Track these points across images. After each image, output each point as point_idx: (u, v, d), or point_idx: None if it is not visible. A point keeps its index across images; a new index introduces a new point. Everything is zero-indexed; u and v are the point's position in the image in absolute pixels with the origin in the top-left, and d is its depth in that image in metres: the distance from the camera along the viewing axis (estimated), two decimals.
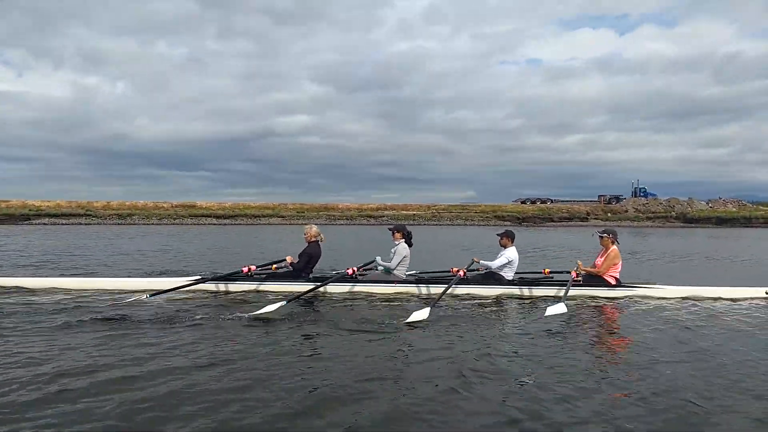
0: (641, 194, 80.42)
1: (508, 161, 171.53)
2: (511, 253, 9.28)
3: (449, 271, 9.48)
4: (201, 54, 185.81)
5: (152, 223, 58.45)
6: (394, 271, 9.15)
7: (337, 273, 9.50)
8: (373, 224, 62.64)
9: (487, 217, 69.11)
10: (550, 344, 5.98)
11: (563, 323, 7.07)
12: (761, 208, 77.26)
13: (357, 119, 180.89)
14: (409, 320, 6.72)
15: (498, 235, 9.67)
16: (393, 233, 9.38)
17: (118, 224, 56.78)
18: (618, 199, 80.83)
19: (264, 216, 65.56)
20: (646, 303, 8.62)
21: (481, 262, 9.54)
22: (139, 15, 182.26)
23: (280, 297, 7.97)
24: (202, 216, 63.83)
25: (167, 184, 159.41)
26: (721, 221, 67.60)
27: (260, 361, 5.09)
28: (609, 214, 71.74)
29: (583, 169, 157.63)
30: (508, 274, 9.29)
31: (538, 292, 9.11)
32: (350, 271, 9.02)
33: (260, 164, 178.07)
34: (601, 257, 9.39)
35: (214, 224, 59.20)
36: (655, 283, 9.58)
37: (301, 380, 4.58)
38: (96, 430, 3.60)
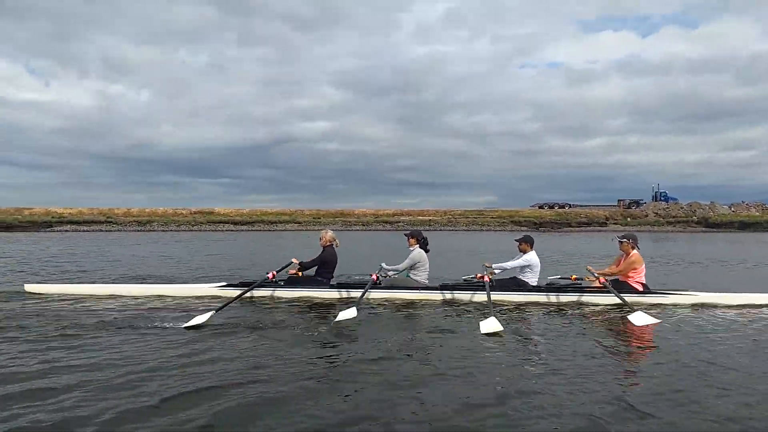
0: (662, 198, 79.40)
1: (529, 165, 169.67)
2: (530, 257, 9.11)
3: (474, 276, 9.40)
4: (222, 60, 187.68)
5: (171, 230, 59.29)
6: (415, 277, 9.08)
7: (362, 279, 9.43)
8: (389, 230, 62.74)
9: (503, 222, 68.80)
10: (571, 351, 5.75)
11: (585, 330, 6.88)
12: None
13: (376, 124, 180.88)
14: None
15: (516, 240, 9.49)
16: (408, 239, 9.40)
17: (138, 231, 57.70)
18: (638, 203, 79.92)
19: (281, 222, 66.10)
20: (676, 310, 8.23)
21: (493, 265, 9.32)
22: (162, 23, 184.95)
23: (307, 304, 8.33)
24: (220, 222, 64.56)
25: (189, 191, 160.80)
26: (744, 226, 66.38)
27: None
28: (629, 219, 70.91)
29: (604, 172, 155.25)
30: (532, 280, 9.07)
31: (566, 298, 8.80)
32: (374, 277, 8.85)
33: (280, 170, 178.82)
34: (619, 263, 9.13)
35: (232, 230, 59.84)
36: (687, 290, 9.22)
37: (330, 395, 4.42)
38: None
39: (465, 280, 9.79)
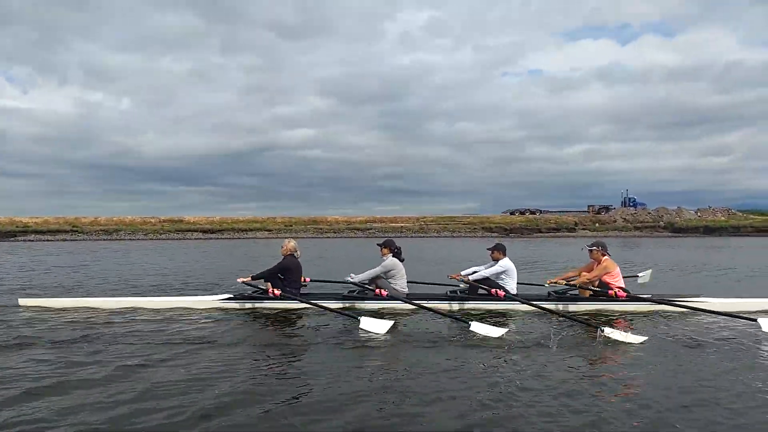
0: (631, 204, 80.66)
1: (511, 172, 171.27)
2: (506, 263, 9.03)
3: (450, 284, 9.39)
4: (205, 68, 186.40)
5: (138, 239, 58.44)
6: (395, 287, 8.88)
7: (356, 290, 9.17)
8: (360, 236, 62.67)
9: (474, 228, 69.17)
10: (553, 362, 5.64)
11: (564, 341, 6.63)
12: (751, 216, 77.40)
13: (361, 132, 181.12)
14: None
15: (488, 249, 9.42)
16: (381, 249, 9.18)
17: (105, 240, 56.74)
18: (607, 209, 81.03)
19: (251, 230, 65.56)
20: (660, 317, 8.16)
21: (462, 273, 9.21)
22: (144, 30, 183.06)
23: (310, 314, 8.27)
24: (188, 231, 63.79)
25: (172, 199, 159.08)
26: (709, 230, 67.70)
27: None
28: (597, 225, 71.81)
29: (586, 179, 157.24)
30: (510, 286, 8.95)
31: (544, 305, 8.52)
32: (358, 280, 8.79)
33: (264, 178, 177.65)
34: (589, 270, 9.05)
35: (201, 239, 59.17)
36: (699, 295, 8.95)
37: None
38: None
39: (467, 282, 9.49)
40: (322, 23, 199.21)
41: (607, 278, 8.73)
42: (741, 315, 7.42)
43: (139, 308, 8.79)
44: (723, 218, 74.29)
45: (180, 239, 57.97)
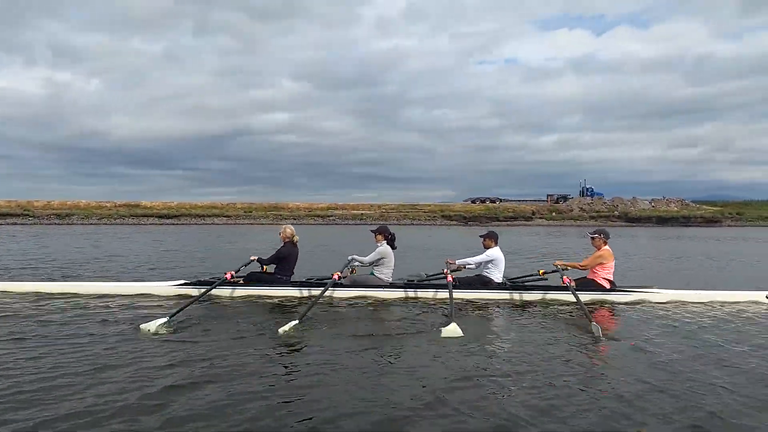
0: (588, 194, 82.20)
1: (487, 160, 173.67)
2: (493, 253, 8.99)
3: (442, 273, 9.24)
4: (177, 50, 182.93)
5: (92, 223, 57.18)
6: (379, 275, 8.87)
7: (321, 278, 9.20)
8: (320, 224, 62.54)
9: (434, 216, 69.67)
10: (535, 352, 5.70)
11: (552, 329, 6.79)
12: (703, 207, 79.75)
13: (336, 117, 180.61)
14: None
15: (480, 236, 9.38)
16: (375, 235, 9.08)
17: (57, 224, 55.36)
18: (566, 198, 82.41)
19: (209, 216, 64.78)
20: (641, 308, 8.31)
21: (457, 262, 9.12)
22: (113, 10, 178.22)
23: (269, 303, 8.15)
24: (144, 216, 62.70)
25: (143, 183, 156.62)
26: (662, 220, 69.57)
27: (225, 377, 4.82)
28: (554, 214, 73.06)
29: (559, 168, 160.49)
30: (496, 276, 8.94)
31: (529, 296, 8.70)
32: (336, 276, 8.50)
33: (238, 163, 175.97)
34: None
35: (156, 224, 58.23)
36: (652, 287, 9.26)
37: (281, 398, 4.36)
38: None
39: (428, 276, 9.76)
40: (297, 6, 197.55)
41: (598, 269, 8.79)
42: (588, 315, 7.47)
43: (85, 293, 8.67)
44: (676, 208, 76.34)
45: (135, 224, 56.96)
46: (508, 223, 66.56)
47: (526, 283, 9.08)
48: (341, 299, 8.52)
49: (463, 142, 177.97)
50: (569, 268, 8.88)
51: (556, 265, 8.89)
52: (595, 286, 8.76)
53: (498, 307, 8.26)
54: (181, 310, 6.99)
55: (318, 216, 67.46)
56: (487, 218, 69.23)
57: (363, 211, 71.18)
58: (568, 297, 8.49)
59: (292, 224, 9.52)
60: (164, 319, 6.57)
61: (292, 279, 8.99)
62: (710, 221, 70.53)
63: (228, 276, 8.44)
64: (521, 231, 47.63)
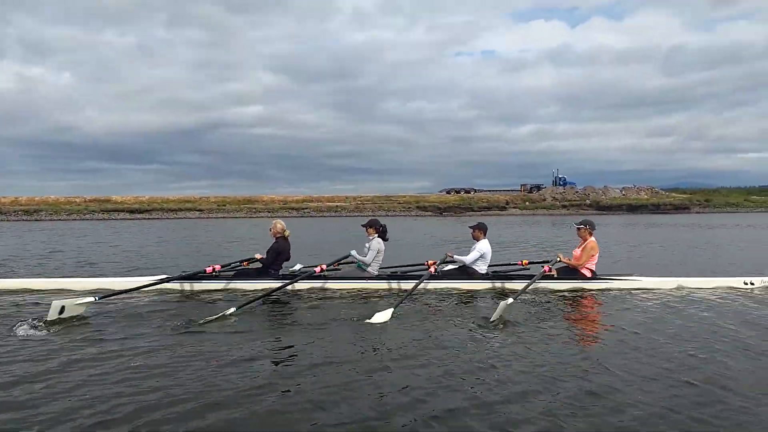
0: (561, 183, 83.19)
1: (465, 151, 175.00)
2: (483, 246, 9.08)
3: (424, 264, 9.32)
4: (150, 42, 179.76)
5: (60, 219, 55.99)
6: (370, 268, 8.93)
7: (306, 270, 9.11)
8: (295, 216, 62.17)
9: (409, 207, 69.79)
10: (516, 341, 5.77)
11: (536, 318, 6.89)
12: (672, 195, 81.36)
13: (313, 110, 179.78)
14: (371, 321, 6.55)
15: (470, 227, 9.42)
16: (366, 229, 9.12)
17: (25, 221, 54.09)
18: (539, 187, 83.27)
19: (182, 210, 63.91)
20: (623, 295, 8.47)
21: (455, 257, 9.25)
22: (85, 3, 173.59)
23: (247, 295, 7.99)
24: (114, 211, 61.59)
25: (117, 177, 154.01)
26: (632, 208, 70.81)
27: (214, 364, 4.93)
28: (527, 203, 73.80)
29: (536, 158, 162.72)
30: (481, 268, 9.07)
31: (511, 285, 8.80)
32: (318, 269, 8.61)
33: (213, 156, 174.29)
34: (578, 249, 9.21)
35: (127, 219, 57.29)
36: (632, 275, 9.47)
37: (263, 384, 4.45)
38: None
39: (410, 266, 9.78)
40: None
41: (589, 261, 8.99)
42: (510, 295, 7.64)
43: (69, 290, 8.55)
44: (646, 196, 77.69)
45: (105, 219, 55.93)
46: (483, 213, 66.92)
47: (509, 273, 9.23)
48: (328, 290, 8.63)
49: (440, 133, 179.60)
50: (569, 264, 9.07)
51: (558, 257, 9.14)
52: (577, 275, 8.93)
53: (481, 297, 8.36)
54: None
55: (293, 209, 67.03)
56: (461, 208, 69.57)
57: (338, 204, 70.97)
58: (551, 285, 8.71)
59: (266, 218, 9.56)
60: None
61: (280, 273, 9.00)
62: (679, 208, 71.97)
63: (209, 270, 8.62)
64: (496, 221, 47.94)
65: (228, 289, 8.58)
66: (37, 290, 8.56)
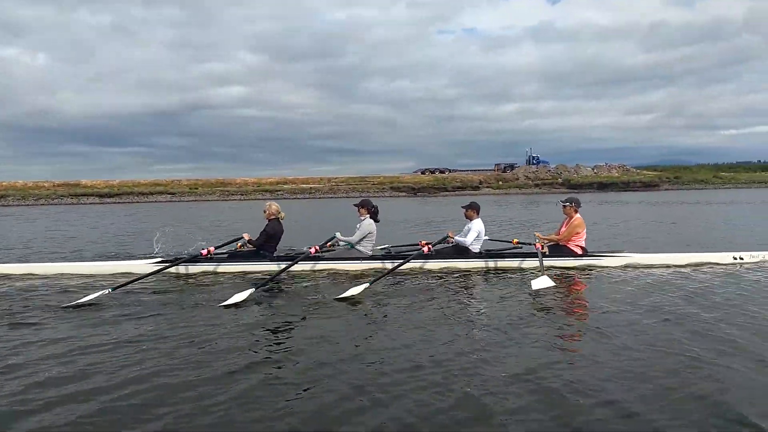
0: (534, 162, 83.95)
1: (448, 131, 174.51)
2: (478, 225, 9.14)
3: (418, 244, 9.31)
4: (127, 22, 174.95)
5: (28, 204, 54.92)
6: (359, 248, 8.86)
7: (300, 252, 9.04)
8: (268, 198, 61.77)
9: (383, 188, 69.87)
10: (510, 320, 5.74)
11: (524, 297, 6.88)
12: (643, 172, 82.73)
13: (295, 90, 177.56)
14: (342, 296, 6.60)
15: (463, 207, 9.45)
16: (358, 209, 9.08)
17: None
18: (512, 167, 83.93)
19: (152, 193, 63.10)
20: (614, 272, 8.50)
21: (455, 238, 9.25)
22: None
23: (247, 279, 7.99)
24: (84, 195, 60.59)
25: (97, 161, 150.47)
26: (602, 186, 71.90)
27: (219, 349, 4.89)
28: (500, 183, 74.42)
29: (520, 137, 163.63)
30: (475, 247, 9.12)
31: (504, 264, 8.93)
32: (312, 250, 8.58)
33: (195, 138, 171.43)
34: (564, 226, 9.28)
35: (97, 203, 56.40)
36: (622, 251, 9.50)
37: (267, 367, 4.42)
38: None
39: (403, 247, 9.83)
40: None
41: (573, 237, 9.03)
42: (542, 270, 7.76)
43: (68, 274, 8.63)
44: (617, 174, 78.84)
45: (74, 204, 54.98)
46: (456, 192, 67.35)
47: (502, 252, 9.34)
48: (318, 271, 8.67)
49: (424, 112, 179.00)
50: (548, 241, 9.11)
51: (537, 237, 9.16)
52: (567, 253, 8.98)
53: (475, 275, 8.45)
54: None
55: (266, 191, 66.61)
56: (435, 189, 69.90)
57: (312, 185, 70.74)
58: (546, 263, 8.63)
59: (239, 200, 9.55)
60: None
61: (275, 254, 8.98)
62: (648, 186, 73.33)
63: (204, 252, 8.62)
64: (470, 201, 47.94)
65: (228, 272, 8.58)
66: (29, 275, 8.59)
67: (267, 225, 8.92)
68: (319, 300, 6.83)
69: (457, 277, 8.31)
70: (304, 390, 3.93)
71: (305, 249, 8.82)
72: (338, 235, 9.06)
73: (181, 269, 8.59)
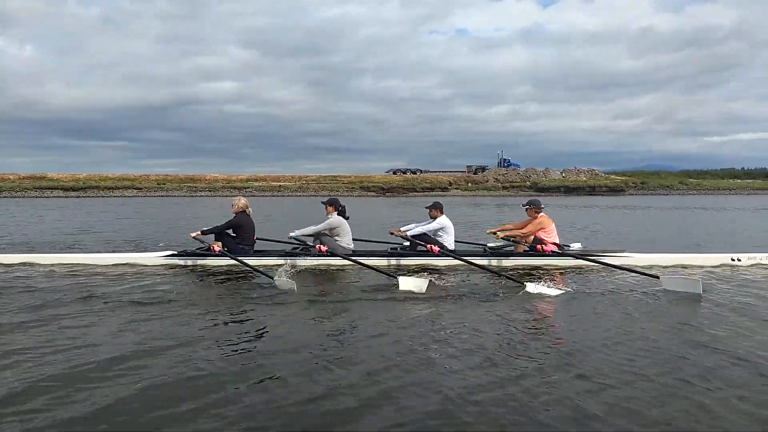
0: (505, 165, 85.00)
1: (439, 131, 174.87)
2: (443, 220, 9.23)
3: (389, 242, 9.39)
4: (116, 14, 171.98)
5: None
6: (341, 244, 8.99)
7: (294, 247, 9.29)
8: (236, 195, 61.68)
9: (353, 187, 70.26)
10: (476, 319, 5.60)
11: (485, 296, 6.74)
12: (610, 177, 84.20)
13: (286, 86, 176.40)
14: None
15: (426, 207, 9.61)
16: (326, 207, 9.31)
17: None
18: (484, 169, 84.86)
19: (118, 188, 62.76)
20: (604, 272, 8.34)
21: (402, 229, 9.33)
22: None
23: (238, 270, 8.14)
24: (48, 188, 60.07)
25: (84, 155, 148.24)
26: (569, 190, 73.10)
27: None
28: (470, 184, 75.25)
29: (509, 139, 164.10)
30: (448, 242, 9.15)
31: (478, 261, 8.50)
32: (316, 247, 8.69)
33: (184, 133, 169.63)
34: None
35: (62, 197, 55.96)
36: (623, 251, 9.35)
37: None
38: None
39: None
40: None
41: (541, 234, 9.00)
42: (645, 272, 7.60)
43: (79, 264, 8.76)
44: (585, 178, 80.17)
45: (38, 197, 54.48)
46: (425, 193, 67.97)
47: (475, 252, 9.41)
48: (308, 267, 8.70)
49: (414, 112, 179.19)
50: (510, 236, 9.05)
51: (493, 233, 9.17)
52: (538, 251, 8.84)
53: (448, 272, 8.43)
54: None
55: (235, 188, 66.61)
56: (404, 189, 70.46)
57: (282, 183, 70.86)
58: (517, 262, 8.76)
59: (207, 197, 9.67)
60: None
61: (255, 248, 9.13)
62: (613, 190, 74.65)
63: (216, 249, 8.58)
64: (444, 201, 47.68)
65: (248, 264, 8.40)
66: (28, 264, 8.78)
67: (234, 217, 9.06)
68: (325, 297, 6.73)
69: (430, 273, 8.13)
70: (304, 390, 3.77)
71: (310, 245, 9.04)
72: (296, 232, 9.02)
73: (190, 262, 8.81)
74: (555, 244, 9.04)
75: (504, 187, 73.82)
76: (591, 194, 70.57)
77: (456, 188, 72.92)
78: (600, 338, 4.90)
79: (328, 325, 5.42)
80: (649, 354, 4.48)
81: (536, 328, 5.39)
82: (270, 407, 3.45)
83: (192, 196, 59.94)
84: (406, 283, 6.95)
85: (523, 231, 9.13)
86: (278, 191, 66.77)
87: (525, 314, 5.88)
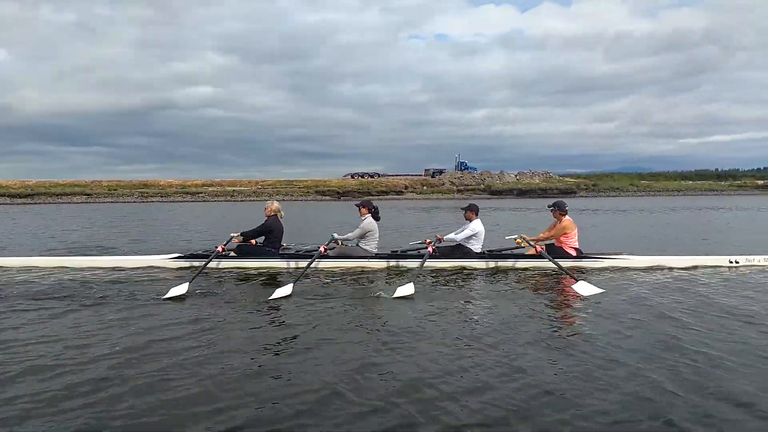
0: (462, 168, 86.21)
1: (418, 135, 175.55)
2: (476, 226, 9.25)
3: (423, 243, 9.40)
4: (91, 20, 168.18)
5: None
6: (364, 246, 9.07)
7: (307, 249, 9.44)
8: (188, 201, 61.43)
9: (308, 192, 70.49)
10: (502, 319, 5.71)
11: (512, 297, 6.88)
12: (563, 180, 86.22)
13: (265, 92, 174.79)
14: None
15: (462, 209, 9.62)
16: (359, 209, 9.30)
17: None
18: (441, 172, 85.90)
19: (68, 194, 61.76)
20: (609, 274, 8.46)
21: (445, 238, 9.37)
22: None
23: (266, 274, 8.34)
24: None
25: (59, 161, 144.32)
26: (522, 192, 74.66)
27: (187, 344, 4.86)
28: (425, 188, 76.21)
29: (489, 143, 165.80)
30: (476, 247, 9.23)
31: (506, 264, 9.00)
32: (322, 249, 8.73)
33: (161, 138, 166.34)
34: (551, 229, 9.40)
35: (7, 204, 54.81)
36: (620, 253, 9.52)
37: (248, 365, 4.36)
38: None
39: (411, 245, 9.92)
40: None
41: (562, 238, 9.12)
42: (570, 274, 7.75)
43: (87, 267, 8.98)
44: (538, 181, 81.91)
45: None
46: (381, 197, 68.56)
47: (503, 252, 9.45)
48: (327, 270, 8.83)
49: (394, 117, 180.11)
50: (538, 241, 9.18)
51: (523, 239, 9.01)
52: (562, 254, 8.98)
53: (477, 275, 8.54)
54: (197, 275, 7.60)
55: (188, 193, 66.19)
56: (359, 193, 70.88)
57: (236, 188, 70.66)
58: (544, 264, 8.80)
59: (158, 203, 9.93)
60: (187, 284, 6.96)
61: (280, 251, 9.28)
62: (565, 192, 76.37)
63: (219, 249, 8.71)
64: (391, 206, 47.12)
65: (244, 268, 8.86)
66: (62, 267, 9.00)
67: (266, 221, 9.15)
68: (316, 297, 6.87)
69: (456, 276, 8.38)
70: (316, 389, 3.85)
71: (315, 247, 9.26)
72: (335, 235, 9.15)
73: (196, 263, 8.90)
74: (575, 248, 9.16)
75: (459, 191, 74.95)
76: (543, 196, 71.96)
77: (412, 191, 73.74)
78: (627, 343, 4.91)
79: (329, 324, 5.53)
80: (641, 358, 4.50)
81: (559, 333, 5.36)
82: (278, 404, 3.57)
83: (143, 202, 59.32)
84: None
85: (548, 235, 9.31)
86: (231, 196, 66.55)
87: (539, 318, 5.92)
